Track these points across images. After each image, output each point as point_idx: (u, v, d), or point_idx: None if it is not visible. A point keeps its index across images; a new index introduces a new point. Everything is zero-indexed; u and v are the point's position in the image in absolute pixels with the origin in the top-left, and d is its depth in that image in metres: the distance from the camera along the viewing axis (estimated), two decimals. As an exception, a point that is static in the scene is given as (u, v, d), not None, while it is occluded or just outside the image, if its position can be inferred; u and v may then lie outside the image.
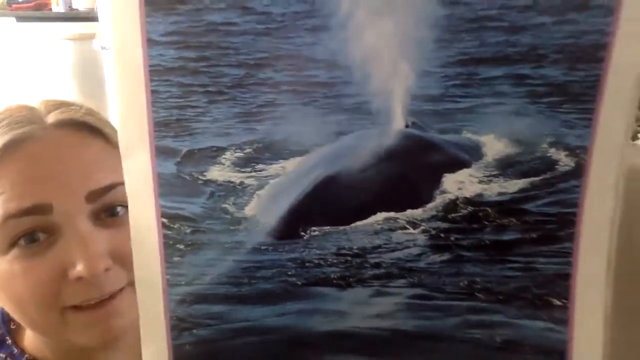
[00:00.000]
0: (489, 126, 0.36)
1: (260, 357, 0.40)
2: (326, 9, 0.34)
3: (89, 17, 3.33)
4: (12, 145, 0.44)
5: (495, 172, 0.38)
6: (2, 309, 0.53)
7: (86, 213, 0.46)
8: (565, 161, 0.38)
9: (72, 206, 0.45)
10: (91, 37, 3.33)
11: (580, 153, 0.38)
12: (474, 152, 0.38)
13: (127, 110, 0.37)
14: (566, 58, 0.35)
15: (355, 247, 0.38)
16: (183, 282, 0.39)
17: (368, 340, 0.39)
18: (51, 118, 0.47)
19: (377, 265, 0.38)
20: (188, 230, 0.38)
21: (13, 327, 0.51)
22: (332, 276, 0.38)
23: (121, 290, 0.46)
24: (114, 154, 0.39)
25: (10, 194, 0.43)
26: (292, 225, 0.39)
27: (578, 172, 0.38)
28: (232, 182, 0.39)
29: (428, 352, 0.39)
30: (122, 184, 0.38)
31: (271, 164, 0.38)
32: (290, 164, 0.38)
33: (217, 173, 0.38)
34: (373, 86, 0.36)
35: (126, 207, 0.40)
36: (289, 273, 0.38)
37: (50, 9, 3.57)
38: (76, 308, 0.45)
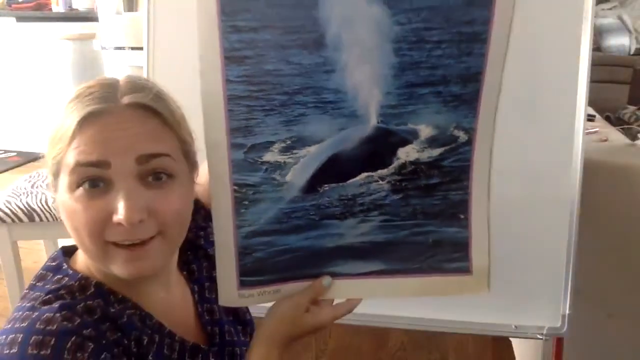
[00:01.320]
0: (422, 120, 0.66)
1: (293, 267, 0.68)
2: (333, 61, 0.62)
3: (89, 17, 3.33)
4: (92, 116, 0.58)
5: (425, 145, 0.67)
6: (62, 248, 0.67)
7: (134, 173, 0.58)
8: (462, 137, 0.68)
9: (124, 165, 0.57)
10: (91, 37, 3.33)
11: (470, 131, 0.69)
12: (414, 135, 0.67)
13: (211, 121, 0.63)
14: (461, 81, 0.65)
15: (349, 195, 0.68)
16: (246, 224, 0.65)
17: (357, 249, 0.69)
18: (125, 100, 0.59)
19: (361, 204, 0.68)
20: (250, 192, 0.65)
21: (69, 258, 0.65)
22: (336, 213, 0.68)
23: (151, 238, 0.59)
24: (165, 131, 0.61)
25: (83, 149, 0.57)
26: (313, 184, 0.67)
27: (469, 142, 0.69)
28: (278, 161, 0.65)
29: (392, 252, 0.70)
30: (167, 155, 0.60)
31: (301, 149, 0.65)
32: (313, 148, 0.65)
33: (269, 156, 0.65)
34: (359, 102, 0.64)
35: (169, 175, 0.60)
36: (311, 213, 0.67)
37: (50, 9, 3.56)
38: (116, 245, 0.58)
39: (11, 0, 3.66)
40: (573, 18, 1.17)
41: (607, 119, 1.85)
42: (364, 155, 0.66)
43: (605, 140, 1.52)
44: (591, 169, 1.23)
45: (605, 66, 2.74)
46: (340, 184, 0.67)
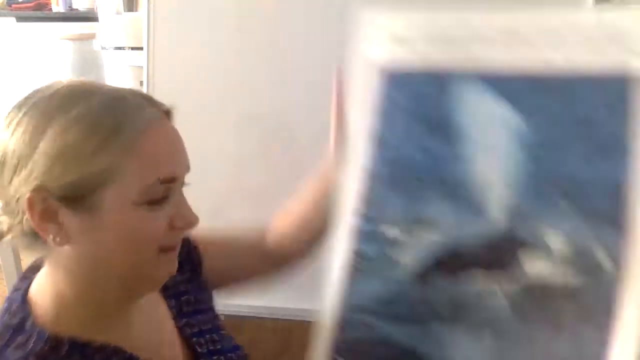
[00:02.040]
0: (554, 231, 0.55)
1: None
2: (466, 154, 0.62)
3: (89, 17, 3.33)
4: (156, 121, 0.55)
5: (557, 262, 0.54)
6: (23, 297, 0.58)
7: (183, 182, 0.59)
8: (606, 263, 0.53)
9: (182, 177, 0.58)
10: (91, 37, 3.33)
11: (616, 258, 0.52)
12: (545, 247, 0.55)
13: (346, 189, 0.68)
14: (601, 193, 0.54)
15: (461, 301, 0.59)
16: (354, 296, 0.64)
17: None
18: (163, 107, 0.58)
19: (473, 317, 0.57)
20: (365, 263, 0.64)
21: (30, 306, 0.57)
22: (443, 316, 0.59)
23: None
24: None
25: (158, 160, 0.54)
26: (425, 274, 0.61)
27: (615, 272, 0.52)
28: (397, 240, 0.63)
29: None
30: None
31: (422, 233, 0.62)
32: (434, 236, 0.61)
33: (390, 232, 0.64)
34: (489, 198, 0.60)
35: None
36: (417, 305, 0.60)
37: (50, 9, 3.56)
38: (164, 249, 0.58)
39: (11, 0, 3.66)
40: (573, 19, 1.16)
41: (607, 119, 1.84)
42: (485, 256, 0.59)
43: (605, 141, 1.51)
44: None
45: (605, 67, 2.73)
46: (454, 284, 0.60)
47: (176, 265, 0.61)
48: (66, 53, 3.43)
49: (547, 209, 0.56)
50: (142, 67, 1.33)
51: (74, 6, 3.58)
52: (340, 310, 0.65)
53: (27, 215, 0.52)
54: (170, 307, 0.71)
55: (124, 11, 3.23)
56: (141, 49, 1.33)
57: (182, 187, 0.59)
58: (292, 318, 1.34)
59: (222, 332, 0.76)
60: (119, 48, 3.18)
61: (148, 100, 0.57)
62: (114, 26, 3.15)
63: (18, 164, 0.52)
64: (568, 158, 0.56)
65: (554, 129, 0.58)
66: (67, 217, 0.53)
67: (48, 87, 0.56)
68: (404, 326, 0.60)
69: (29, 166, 0.51)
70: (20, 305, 0.58)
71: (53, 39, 3.40)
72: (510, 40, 0.60)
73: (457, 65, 0.63)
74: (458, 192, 0.61)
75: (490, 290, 0.57)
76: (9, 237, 0.56)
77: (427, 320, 0.60)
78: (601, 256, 0.53)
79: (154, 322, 0.68)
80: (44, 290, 0.59)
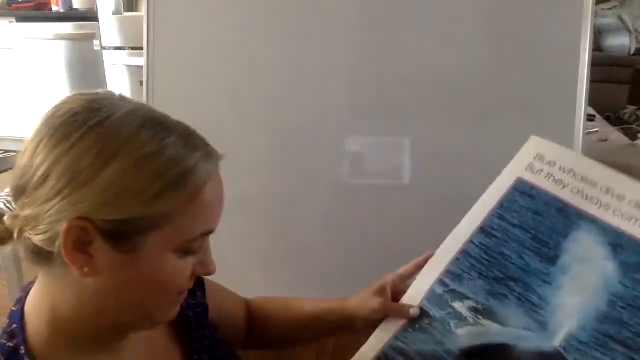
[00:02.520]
0: None
1: None
2: (555, 278, 0.68)
3: (89, 17, 3.33)
4: (215, 174, 0.55)
5: None
6: (20, 318, 0.56)
7: None
8: None
9: None
10: (91, 37, 3.33)
11: None
12: None
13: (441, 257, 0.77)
14: None
15: None
16: (402, 341, 0.72)
17: None
18: (215, 156, 0.56)
19: None
20: (426, 322, 0.72)
21: (28, 337, 0.55)
22: None
23: None
24: None
25: (213, 212, 0.55)
26: (469, 355, 0.68)
27: None
28: (461, 314, 0.70)
29: None
30: None
31: (485, 319, 0.69)
32: (494, 326, 0.68)
33: (458, 306, 0.71)
34: (555, 320, 0.65)
35: None
36: None
37: (50, 9, 3.56)
38: (180, 293, 0.58)
39: (11, 0, 3.66)
40: (573, 18, 1.17)
41: (607, 119, 1.85)
42: None
43: (605, 140, 1.52)
44: (591, 169, 1.23)
45: (605, 66, 2.74)
46: None
47: (177, 311, 0.61)
48: (66, 53, 3.43)
49: (605, 351, 0.62)
50: (142, 67, 1.33)
51: (74, 6, 3.58)
52: (382, 348, 0.73)
53: (59, 240, 0.49)
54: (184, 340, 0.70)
55: (124, 11, 3.23)
56: (141, 49, 1.33)
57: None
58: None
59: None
60: (119, 48, 3.19)
61: (207, 146, 0.56)
62: (114, 26, 3.15)
63: (68, 185, 0.48)
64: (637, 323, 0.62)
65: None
66: (101, 250, 0.50)
67: (112, 105, 0.52)
68: None
69: (81, 193, 0.48)
70: (17, 326, 0.56)
71: (53, 39, 3.40)
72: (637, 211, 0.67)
73: (585, 205, 0.69)
74: (535, 305, 0.67)
75: None
76: (12, 245, 0.53)
77: None
78: None
79: (149, 354, 0.66)
80: (39, 309, 0.56)
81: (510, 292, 0.69)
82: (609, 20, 2.98)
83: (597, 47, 2.84)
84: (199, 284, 0.74)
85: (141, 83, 1.35)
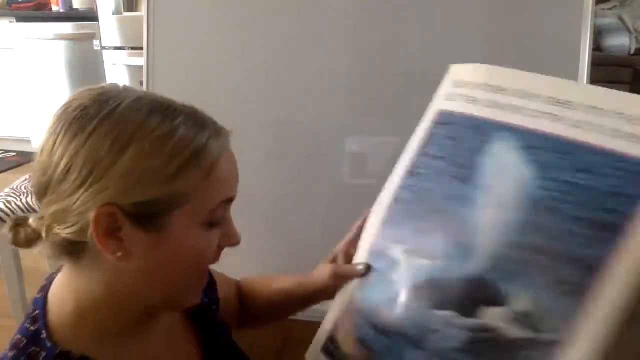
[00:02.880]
0: (522, 288, 0.58)
1: None
2: (472, 197, 0.64)
3: (89, 17, 3.33)
4: (227, 147, 0.57)
5: (512, 318, 0.57)
6: (43, 305, 0.58)
7: None
8: (549, 334, 0.55)
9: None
10: (91, 37, 3.33)
11: (562, 331, 0.54)
12: (508, 300, 0.58)
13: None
14: (576, 266, 0.55)
15: (428, 326, 0.62)
16: (359, 300, 0.71)
17: None
18: (224, 131, 0.59)
19: (433, 344, 0.62)
20: (374, 275, 0.72)
21: (49, 322, 0.57)
22: (411, 337, 0.63)
23: None
24: None
25: (230, 181, 0.57)
26: (405, 297, 0.66)
27: (556, 345, 0.54)
28: (396, 260, 0.69)
29: None
30: None
31: (417, 259, 0.67)
32: (424, 262, 0.66)
33: (394, 252, 0.70)
34: (477, 241, 0.62)
35: None
36: (394, 324, 0.65)
37: (50, 9, 3.57)
38: (205, 270, 0.62)
39: (11, 0, 3.66)
40: (573, 18, 1.17)
41: (607, 119, 1.84)
42: (455, 294, 0.63)
43: (605, 140, 1.51)
44: (591, 169, 1.23)
45: (605, 66, 2.73)
46: (426, 309, 0.64)
47: (200, 295, 0.63)
48: (66, 53, 3.43)
49: (526, 266, 0.58)
50: (142, 67, 1.33)
51: (74, 6, 3.58)
52: (342, 310, 0.72)
53: (90, 229, 0.51)
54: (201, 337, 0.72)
55: (124, 11, 3.23)
56: (141, 49, 1.33)
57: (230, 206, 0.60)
58: (293, 317, 1.34)
59: None
60: (119, 48, 3.19)
61: (215, 123, 0.59)
62: (114, 26, 3.16)
63: (90, 175, 0.50)
64: (561, 222, 0.58)
65: (559, 191, 0.59)
66: (131, 234, 0.52)
67: (119, 95, 0.54)
68: (381, 336, 0.66)
69: (103, 182, 0.50)
70: (40, 312, 0.57)
71: (53, 39, 3.40)
72: (552, 107, 0.64)
73: (498, 115, 0.66)
74: (459, 232, 0.64)
75: (452, 323, 0.61)
76: (41, 244, 0.55)
77: (396, 337, 0.65)
78: (549, 322, 0.55)
79: (169, 348, 0.67)
80: (63, 300, 0.58)
81: (434, 224, 0.66)
82: (609, 20, 2.98)
83: (597, 47, 2.84)
84: (211, 283, 0.76)
85: (141, 83, 1.35)
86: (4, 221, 1.52)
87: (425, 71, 1.30)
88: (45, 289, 0.60)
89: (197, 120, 0.55)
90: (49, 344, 0.54)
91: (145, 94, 0.56)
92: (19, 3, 3.64)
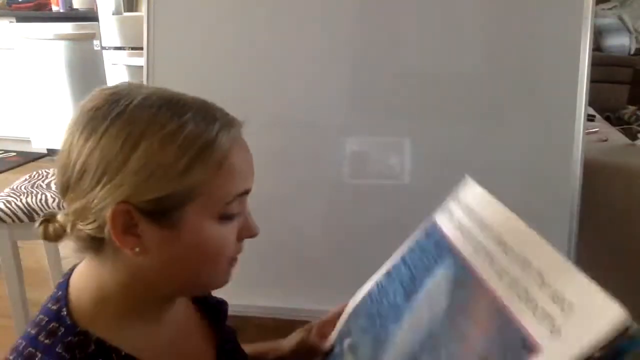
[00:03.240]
0: None
1: None
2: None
3: (89, 17, 3.33)
4: (239, 138, 0.58)
5: None
6: (65, 287, 0.60)
7: None
8: None
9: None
10: (91, 37, 3.33)
11: None
12: None
13: None
14: None
15: None
16: None
17: None
18: (236, 123, 0.59)
19: None
20: None
21: (70, 303, 0.59)
22: None
23: None
24: None
25: (242, 174, 0.57)
26: None
27: None
28: (342, 350, 0.73)
29: None
30: None
31: (349, 358, 0.70)
32: None
33: (344, 343, 0.74)
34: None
35: None
36: None
37: (50, 9, 3.56)
38: (233, 260, 0.61)
39: (11, 0, 3.66)
40: (573, 18, 1.17)
41: (607, 119, 1.85)
42: None
43: (605, 140, 1.52)
44: (591, 169, 1.23)
45: (605, 66, 2.74)
46: None
47: (230, 277, 0.63)
48: (66, 53, 3.43)
49: None
50: (142, 67, 1.33)
51: (74, 6, 3.58)
52: None
53: (107, 226, 0.52)
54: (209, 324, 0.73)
55: (124, 11, 3.23)
56: (141, 49, 1.33)
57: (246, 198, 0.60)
58: (293, 317, 1.34)
59: None
60: (119, 48, 3.19)
61: (226, 115, 0.59)
62: (114, 26, 3.16)
63: (104, 174, 0.52)
64: None
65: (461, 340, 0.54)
66: (146, 229, 0.53)
67: (129, 94, 0.55)
68: None
69: (118, 179, 0.51)
70: (62, 293, 0.59)
71: (53, 39, 3.40)
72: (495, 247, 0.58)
73: (458, 239, 0.64)
74: (381, 343, 0.65)
75: None
76: (67, 238, 0.57)
77: None
78: None
79: (184, 339, 0.68)
80: (84, 282, 0.60)
81: (373, 329, 0.68)
82: (609, 20, 2.98)
83: (597, 47, 2.84)
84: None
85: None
86: (4, 221, 1.52)
87: (425, 71, 1.30)
88: (68, 274, 0.62)
89: (207, 113, 0.56)
90: (68, 322, 0.56)
91: (156, 90, 0.57)
92: (19, 3, 3.64)
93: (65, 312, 0.57)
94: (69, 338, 0.55)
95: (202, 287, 0.64)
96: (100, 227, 0.53)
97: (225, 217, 0.56)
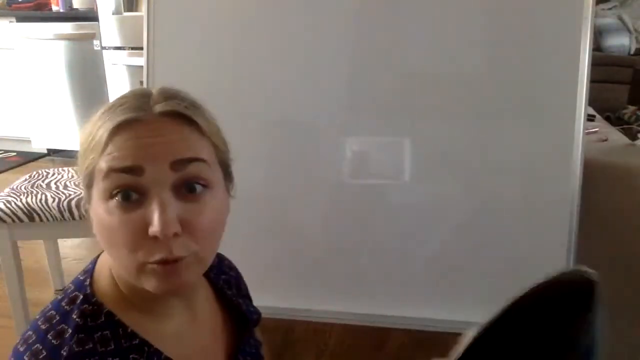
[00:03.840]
0: None
1: None
2: None
3: (89, 17, 3.33)
4: (125, 124, 0.57)
5: None
6: (94, 262, 0.66)
7: (169, 183, 0.56)
8: None
9: (159, 172, 0.56)
10: (91, 37, 3.33)
11: None
12: None
13: None
14: None
15: None
16: None
17: None
18: (158, 108, 0.59)
19: None
20: None
21: (94, 276, 0.64)
22: None
23: (185, 257, 0.56)
24: (200, 138, 0.59)
25: (116, 155, 0.56)
26: None
27: None
28: None
29: None
30: (202, 160, 0.58)
31: None
32: None
33: None
34: None
35: (204, 185, 0.58)
36: None
37: (50, 9, 3.56)
38: (141, 264, 0.56)
39: (11, 0, 3.66)
40: (573, 18, 1.17)
41: (607, 119, 1.85)
42: None
43: (605, 140, 1.51)
44: (591, 169, 1.23)
45: (605, 66, 2.73)
46: None
47: (176, 283, 0.57)
48: (66, 53, 3.43)
49: None
50: (142, 67, 1.33)
51: (74, 6, 3.58)
52: None
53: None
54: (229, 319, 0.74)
55: (124, 11, 3.23)
56: (141, 49, 1.33)
57: (167, 190, 0.56)
58: (293, 317, 1.34)
59: None
60: (119, 48, 3.19)
61: (120, 105, 0.60)
62: (114, 26, 3.15)
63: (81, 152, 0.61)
64: None
65: None
66: (88, 205, 0.61)
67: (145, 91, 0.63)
68: None
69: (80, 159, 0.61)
70: (92, 265, 0.65)
71: (53, 39, 3.40)
72: None
73: None
74: None
75: None
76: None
77: None
78: None
79: (196, 336, 0.68)
80: (105, 261, 0.64)
81: None
82: (609, 20, 2.98)
83: (597, 47, 2.84)
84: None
85: (141, 83, 1.35)
86: (4, 221, 1.52)
87: (425, 71, 1.30)
88: (98, 254, 0.67)
89: (118, 99, 0.61)
90: (88, 291, 0.61)
91: (132, 90, 0.64)
92: (19, 3, 3.64)
93: (88, 282, 0.62)
94: (84, 306, 0.60)
95: (133, 278, 0.58)
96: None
97: (109, 196, 0.56)
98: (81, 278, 0.64)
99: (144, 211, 0.55)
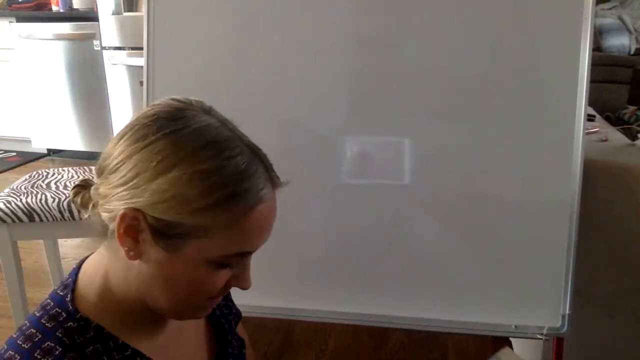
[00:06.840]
0: None
1: None
2: None
3: (89, 17, 3.33)
4: (266, 201, 0.58)
5: None
6: (75, 274, 0.63)
7: None
8: None
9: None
10: (91, 37, 3.33)
11: None
12: None
13: None
14: None
15: None
16: None
17: None
18: (274, 183, 0.61)
19: None
20: None
21: (77, 290, 0.62)
22: None
23: None
24: None
25: (249, 239, 0.58)
26: None
27: None
28: None
29: None
30: None
31: None
32: None
33: None
34: None
35: None
36: None
37: (50, 9, 3.56)
38: (214, 299, 0.62)
39: (11, 0, 3.66)
40: (573, 18, 1.17)
41: (607, 119, 1.85)
42: None
43: (605, 140, 1.51)
44: (591, 169, 1.23)
45: (605, 66, 2.73)
46: None
47: (208, 312, 0.66)
48: (66, 53, 3.43)
49: None
50: (142, 67, 1.33)
51: (74, 6, 3.58)
52: None
53: (115, 222, 0.56)
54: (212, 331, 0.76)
55: (124, 11, 3.23)
56: (141, 49, 1.33)
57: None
58: (293, 317, 1.34)
59: None
60: (119, 48, 3.19)
61: (268, 172, 0.61)
62: (114, 26, 3.16)
63: (132, 180, 0.55)
64: None
65: None
66: (147, 241, 0.56)
67: (194, 117, 0.58)
68: None
69: (140, 190, 0.55)
70: (71, 280, 0.63)
71: (53, 39, 3.40)
72: None
73: None
74: None
75: None
76: (87, 212, 0.61)
77: None
78: None
79: (186, 342, 0.71)
80: (93, 275, 0.63)
81: None
82: (609, 20, 2.98)
83: (597, 47, 2.84)
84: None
85: (141, 83, 1.35)
86: (4, 221, 1.52)
87: (426, 71, 1.30)
88: (80, 262, 0.66)
89: (251, 165, 0.58)
90: (70, 308, 0.60)
91: (220, 122, 0.60)
92: (19, 3, 3.64)
93: (69, 298, 0.60)
94: (69, 324, 0.58)
95: (177, 314, 0.64)
96: (111, 219, 0.57)
97: (219, 265, 0.58)
98: (61, 294, 0.62)
99: (233, 270, 0.60)
